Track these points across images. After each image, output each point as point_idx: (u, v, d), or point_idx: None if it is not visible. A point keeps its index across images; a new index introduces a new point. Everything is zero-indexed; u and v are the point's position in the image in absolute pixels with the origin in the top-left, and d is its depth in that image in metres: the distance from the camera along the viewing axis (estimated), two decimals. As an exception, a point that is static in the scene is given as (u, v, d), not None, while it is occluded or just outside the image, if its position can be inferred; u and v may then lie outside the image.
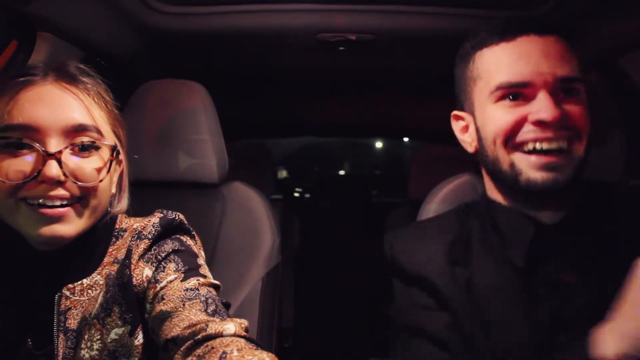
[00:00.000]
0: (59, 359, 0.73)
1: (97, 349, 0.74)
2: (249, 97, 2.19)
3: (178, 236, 0.84)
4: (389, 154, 5.13)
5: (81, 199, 0.73)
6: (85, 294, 0.77)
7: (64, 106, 0.73)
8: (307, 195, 3.86)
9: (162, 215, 0.84)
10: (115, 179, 0.82)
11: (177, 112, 1.19)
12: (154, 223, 0.82)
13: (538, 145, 0.78)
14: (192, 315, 0.71)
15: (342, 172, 4.84)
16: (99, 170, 0.75)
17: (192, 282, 0.76)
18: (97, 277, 0.78)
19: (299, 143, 4.70)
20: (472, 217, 0.92)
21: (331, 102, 2.35)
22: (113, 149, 0.77)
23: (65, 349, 0.73)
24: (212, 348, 0.66)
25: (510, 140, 0.81)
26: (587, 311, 0.75)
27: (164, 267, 0.78)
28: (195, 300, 0.73)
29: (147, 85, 1.25)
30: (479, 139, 0.87)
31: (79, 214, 0.73)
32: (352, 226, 3.07)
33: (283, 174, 4.34)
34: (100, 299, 0.76)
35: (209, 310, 0.72)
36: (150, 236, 0.81)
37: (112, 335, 0.75)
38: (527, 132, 0.79)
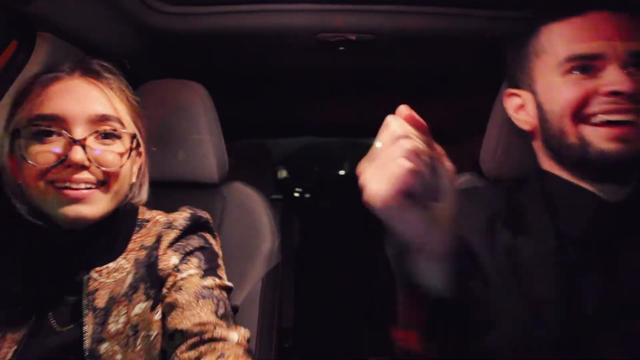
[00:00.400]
0: (87, 334, 0.78)
1: (122, 322, 0.80)
2: (249, 97, 2.19)
3: (203, 234, 0.91)
4: (389, 154, 5.11)
5: (104, 183, 0.80)
6: (111, 276, 0.83)
7: (89, 98, 0.80)
8: (307, 195, 3.86)
9: (192, 211, 0.92)
10: (135, 169, 0.88)
11: (177, 112, 1.19)
12: (185, 217, 0.90)
13: (609, 117, 0.78)
14: (203, 313, 0.78)
15: (342, 172, 4.84)
16: (120, 156, 0.81)
17: (209, 281, 0.83)
18: (122, 261, 0.84)
19: (299, 143, 4.69)
20: (521, 193, 0.91)
21: (331, 102, 2.34)
22: (133, 137, 0.84)
23: (94, 326, 0.79)
24: (214, 349, 0.74)
25: (579, 113, 0.80)
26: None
27: (188, 260, 0.85)
28: (208, 300, 0.80)
29: (147, 85, 1.25)
30: (541, 114, 0.86)
31: (102, 197, 0.80)
32: (352, 226, 3.07)
33: (283, 174, 4.33)
34: (129, 280, 0.83)
35: (218, 313, 0.79)
36: (180, 227, 0.88)
37: (136, 310, 0.81)
38: (598, 104, 0.79)
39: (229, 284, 0.87)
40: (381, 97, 2.24)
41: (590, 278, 0.77)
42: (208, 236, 0.92)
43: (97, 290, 0.81)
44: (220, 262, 0.89)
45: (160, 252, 0.85)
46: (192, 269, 0.83)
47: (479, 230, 0.85)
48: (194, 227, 0.90)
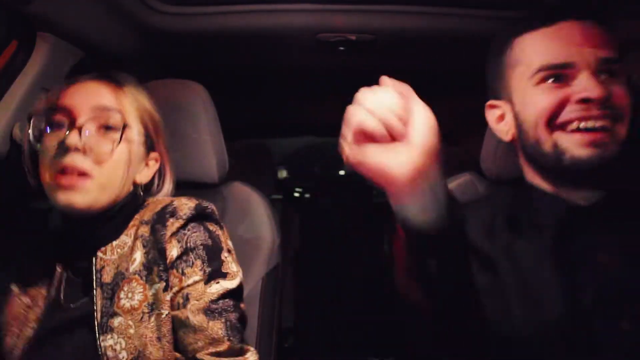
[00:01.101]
0: (97, 308, 0.84)
1: (138, 299, 0.85)
2: (249, 97, 2.19)
3: (208, 225, 0.93)
4: (389, 154, 5.11)
5: (94, 171, 0.85)
6: (115, 252, 0.89)
7: (96, 93, 0.89)
8: (307, 195, 3.85)
9: (197, 202, 0.94)
10: (148, 172, 0.97)
11: (177, 112, 1.19)
12: (189, 207, 0.92)
13: (582, 124, 0.79)
14: (214, 334, 0.84)
15: (342, 172, 4.83)
16: (114, 147, 0.87)
17: (214, 287, 0.87)
18: (124, 237, 0.91)
19: (299, 143, 4.69)
20: (518, 196, 0.93)
21: (331, 102, 2.34)
22: (124, 127, 0.89)
23: (103, 300, 0.85)
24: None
25: (553, 121, 0.82)
26: (623, 292, 0.76)
27: (192, 263, 0.88)
28: (217, 320, 0.85)
29: (147, 85, 1.24)
30: (518, 123, 0.88)
31: (92, 188, 0.85)
32: (352, 226, 3.07)
33: (283, 174, 4.33)
34: (140, 259, 0.88)
35: (229, 331, 0.85)
36: (184, 217, 0.91)
37: (152, 290, 0.86)
38: (571, 112, 0.80)
39: (236, 281, 0.90)
40: (381, 97, 2.23)
41: (576, 278, 0.80)
42: (213, 227, 0.94)
43: (103, 267, 0.87)
44: (224, 255, 0.92)
45: (166, 239, 0.89)
46: (196, 274, 0.87)
47: (481, 229, 0.87)
48: (199, 216, 0.92)
